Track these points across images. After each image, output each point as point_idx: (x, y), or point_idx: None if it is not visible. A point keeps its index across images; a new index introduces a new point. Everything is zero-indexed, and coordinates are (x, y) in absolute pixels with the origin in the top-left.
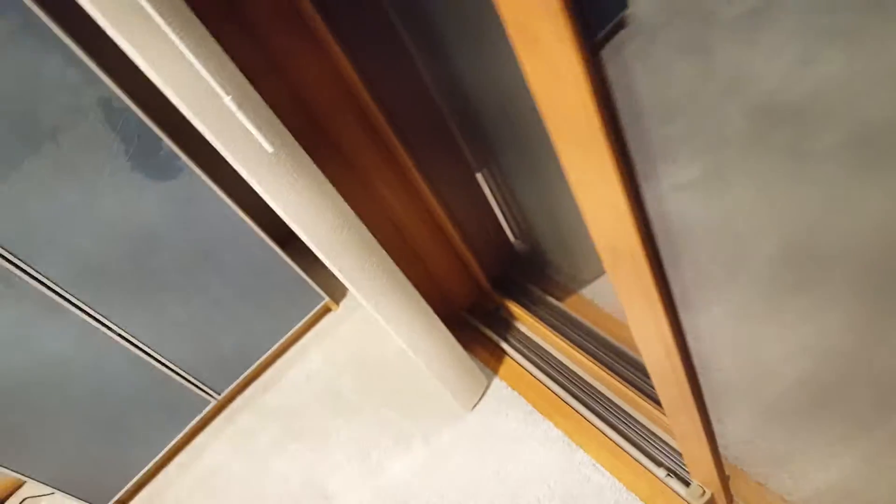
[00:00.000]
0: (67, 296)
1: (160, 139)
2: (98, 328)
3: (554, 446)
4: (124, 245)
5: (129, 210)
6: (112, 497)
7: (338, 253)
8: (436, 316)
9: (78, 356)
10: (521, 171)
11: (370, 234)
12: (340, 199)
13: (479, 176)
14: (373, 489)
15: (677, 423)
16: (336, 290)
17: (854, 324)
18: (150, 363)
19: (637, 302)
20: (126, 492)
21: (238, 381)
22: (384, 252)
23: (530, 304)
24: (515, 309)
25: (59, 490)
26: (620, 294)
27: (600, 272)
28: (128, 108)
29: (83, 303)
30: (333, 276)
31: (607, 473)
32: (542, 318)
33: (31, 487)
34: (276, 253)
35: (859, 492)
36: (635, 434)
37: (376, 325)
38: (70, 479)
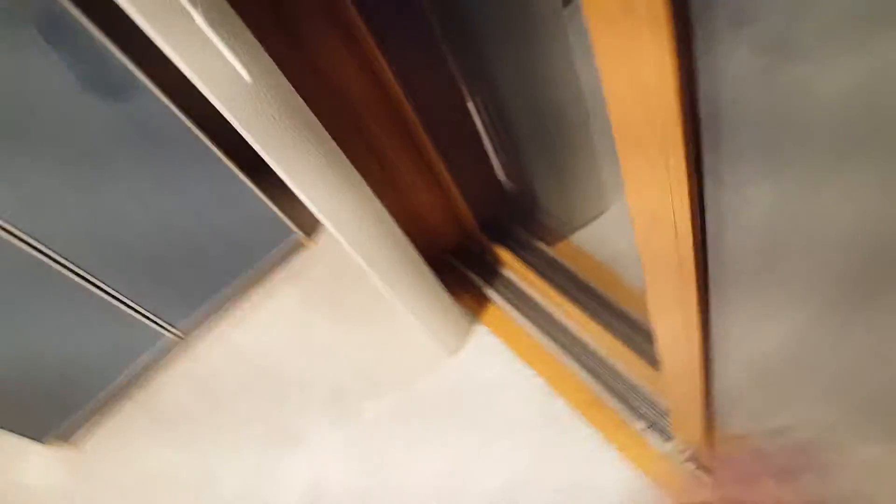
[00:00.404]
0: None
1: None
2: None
3: (533, 395)
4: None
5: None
6: (51, 430)
7: (313, 184)
8: (418, 254)
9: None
10: (518, 104)
11: (350, 165)
12: (324, 132)
13: (469, 106)
14: (344, 433)
15: (675, 387)
16: (309, 226)
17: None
18: (100, 297)
19: (668, 281)
20: (69, 424)
21: (199, 315)
22: (362, 181)
23: (518, 249)
24: (502, 253)
25: None
26: (649, 267)
27: (591, 218)
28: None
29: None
30: (307, 210)
31: (586, 423)
32: (529, 264)
33: None
34: (246, 184)
35: None
36: (617, 385)
37: (352, 265)
38: (5, 411)
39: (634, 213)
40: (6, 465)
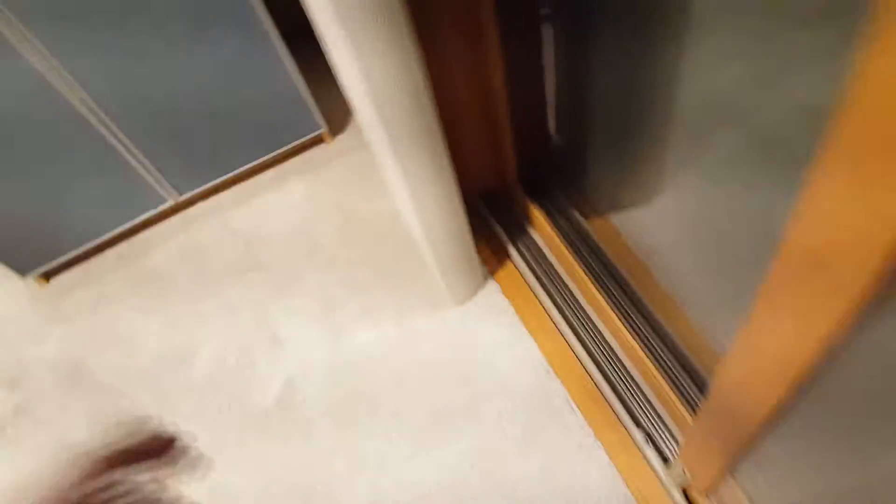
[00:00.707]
0: (30, 35)
1: None
2: (59, 89)
3: (531, 368)
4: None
5: None
6: (37, 268)
7: (370, 59)
8: (456, 183)
9: (32, 109)
10: (598, 68)
11: (415, 52)
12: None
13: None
14: (327, 350)
15: (702, 441)
16: (336, 123)
17: None
18: (111, 143)
19: (788, 324)
20: (55, 266)
21: (204, 187)
22: (423, 83)
23: (552, 211)
24: (534, 211)
25: None
26: (769, 299)
27: (640, 202)
28: None
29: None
30: (337, 103)
31: (579, 414)
32: (559, 230)
33: None
34: (283, 61)
35: None
36: (624, 386)
37: (370, 177)
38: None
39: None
40: None
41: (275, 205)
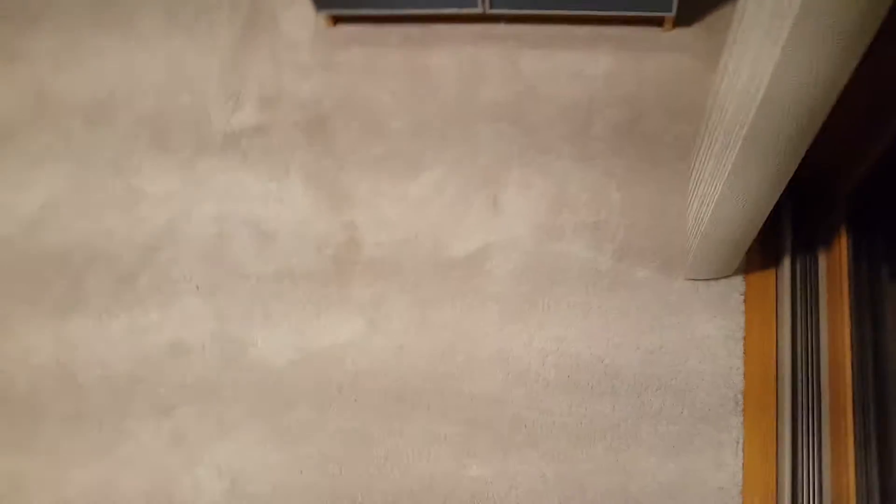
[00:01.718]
0: None
1: None
2: None
3: (722, 388)
4: None
5: None
6: (333, 7)
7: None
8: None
9: None
10: None
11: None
12: None
13: None
14: (534, 240)
15: None
16: (688, 13)
17: None
18: None
19: None
20: (348, 14)
21: (516, 11)
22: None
23: (864, 250)
24: (843, 238)
25: None
26: None
27: None
28: None
29: None
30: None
31: (740, 459)
32: (856, 276)
33: None
34: None
35: None
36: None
37: (690, 90)
38: None
39: None
40: None
41: (571, 66)
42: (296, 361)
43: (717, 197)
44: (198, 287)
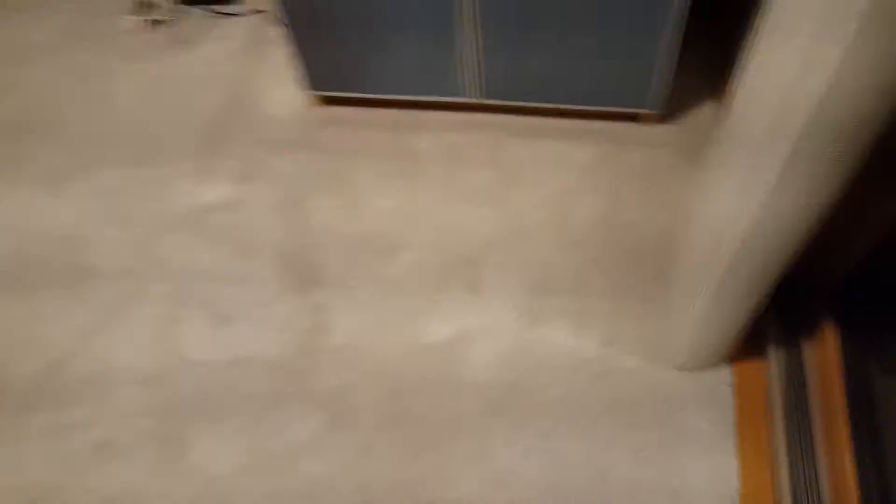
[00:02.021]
0: None
1: None
2: None
3: (718, 491)
4: None
5: None
6: (325, 90)
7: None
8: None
9: None
10: None
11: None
12: None
13: None
14: (514, 329)
15: None
16: (668, 110)
17: None
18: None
19: None
20: (339, 97)
21: (508, 102)
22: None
23: (854, 348)
24: (829, 332)
25: None
26: None
27: None
28: None
29: None
30: (685, 94)
31: None
32: (845, 373)
33: None
34: (668, 23)
35: None
36: None
37: (668, 183)
38: None
39: None
40: None
41: (553, 155)
42: (245, 466)
43: (700, 309)
44: (137, 380)
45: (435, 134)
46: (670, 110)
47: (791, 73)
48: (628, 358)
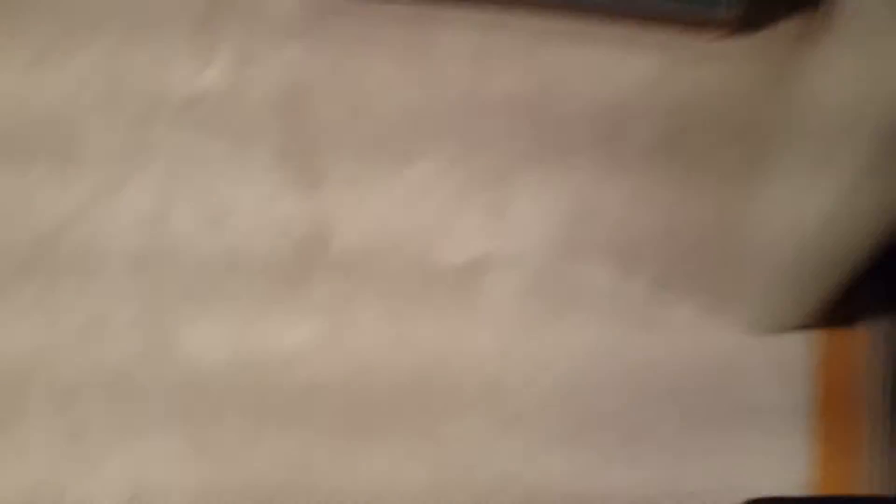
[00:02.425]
0: None
1: None
2: None
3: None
4: None
5: None
6: None
7: None
8: None
9: None
10: None
11: None
12: None
13: None
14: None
15: None
16: (746, 15)
17: None
18: None
19: None
20: None
21: None
22: None
23: None
24: None
25: None
26: None
27: None
28: None
29: None
30: None
31: None
32: None
33: None
34: None
35: None
36: None
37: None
38: None
39: None
40: None
41: (603, 66)
42: (231, 363)
43: (817, 209)
44: (128, 260)
45: (458, 32)
46: (746, 20)
47: None
48: (680, 309)
